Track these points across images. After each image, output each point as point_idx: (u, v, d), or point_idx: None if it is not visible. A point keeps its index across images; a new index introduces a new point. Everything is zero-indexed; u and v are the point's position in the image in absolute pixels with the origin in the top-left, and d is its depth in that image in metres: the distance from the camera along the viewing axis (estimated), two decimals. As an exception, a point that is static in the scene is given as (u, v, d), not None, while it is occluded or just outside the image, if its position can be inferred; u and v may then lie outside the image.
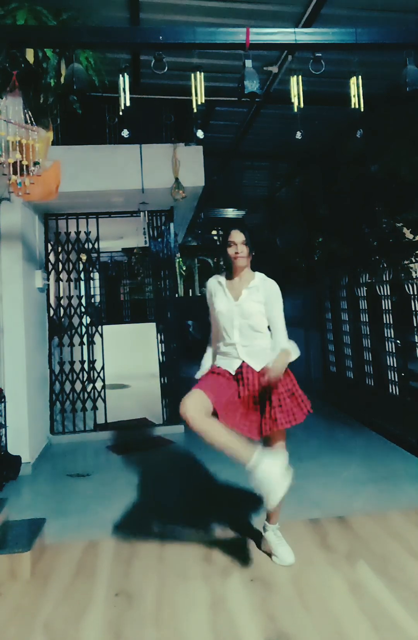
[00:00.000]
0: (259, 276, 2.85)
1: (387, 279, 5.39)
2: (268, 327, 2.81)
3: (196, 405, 2.48)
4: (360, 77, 2.98)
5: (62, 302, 6.06)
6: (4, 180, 3.14)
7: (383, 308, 5.44)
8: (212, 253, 14.84)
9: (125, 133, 4.52)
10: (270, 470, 2.35)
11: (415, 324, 4.84)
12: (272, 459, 2.40)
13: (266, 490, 2.35)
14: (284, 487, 2.36)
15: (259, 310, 2.75)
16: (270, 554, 2.85)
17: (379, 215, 6.95)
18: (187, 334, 11.72)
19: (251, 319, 2.74)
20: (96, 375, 6.04)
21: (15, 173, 2.90)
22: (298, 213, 8.97)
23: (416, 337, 4.84)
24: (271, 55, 4.69)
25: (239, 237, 2.76)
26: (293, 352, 2.72)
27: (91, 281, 6.82)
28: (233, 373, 2.73)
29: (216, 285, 2.88)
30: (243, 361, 2.73)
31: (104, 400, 5.97)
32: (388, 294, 5.39)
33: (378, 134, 6.01)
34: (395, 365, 5.26)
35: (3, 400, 4.47)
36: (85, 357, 6.27)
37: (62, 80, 3.18)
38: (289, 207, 9.56)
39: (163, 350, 6.10)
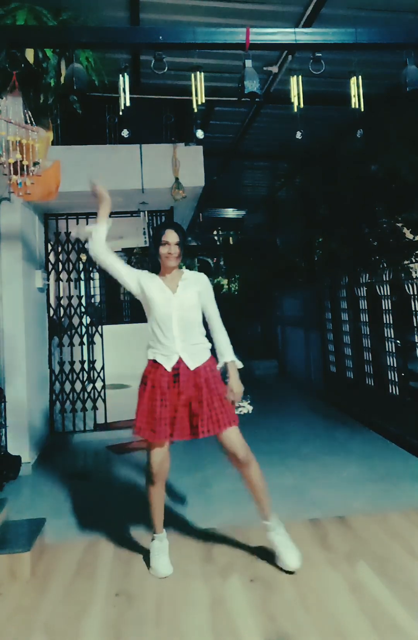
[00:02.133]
0: (188, 271, 2.92)
1: (387, 279, 5.39)
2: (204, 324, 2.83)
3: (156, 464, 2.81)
4: (360, 77, 2.98)
5: (62, 302, 6.06)
6: (4, 180, 3.14)
7: (383, 308, 5.44)
8: (212, 253, 14.85)
9: (125, 133, 4.52)
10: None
11: (415, 324, 4.84)
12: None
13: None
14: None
15: (195, 303, 2.77)
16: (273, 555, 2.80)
17: (379, 215, 6.95)
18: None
19: (190, 312, 2.75)
20: (96, 375, 6.04)
21: (15, 173, 2.90)
22: (298, 213, 8.98)
23: (416, 337, 4.84)
24: (271, 55, 4.69)
25: (173, 237, 2.75)
26: (236, 360, 2.81)
27: (91, 281, 6.81)
28: (170, 370, 2.72)
29: (149, 275, 2.85)
30: (180, 357, 2.72)
31: (104, 400, 5.97)
32: (388, 294, 5.39)
33: (378, 134, 6.01)
34: (395, 365, 5.26)
35: (3, 400, 4.47)
36: (85, 357, 6.27)
37: (62, 80, 3.18)
38: (289, 207, 9.56)
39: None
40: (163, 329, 2.76)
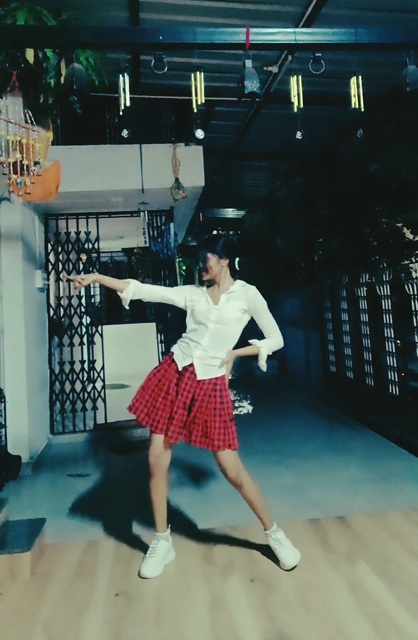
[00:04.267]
0: (239, 283, 2.89)
1: (387, 279, 5.39)
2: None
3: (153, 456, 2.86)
4: (360, 77, 2.98)
5: (62, 302, 6.06)
6: (4, 180, 3.14)
7: (383, 308, 5.44)
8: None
9: (125, 133, 4.52)
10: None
11: (415, 324, 4.84)
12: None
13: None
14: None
15: (237, 316, 2.79)
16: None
17: (379, 215, 6.96)
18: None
19: (226, 326, 2.78)
20: (96, 375, 6.04)
21: (15, 173, 2.90)
22: (298, 213, 8.98)
23: (416, 337, 4.84)
24: (271, 55, 4.69)
25: (201, 255, 2.83)
26: (264, 349, 2.77)
27: (91, 281, 6.81)
28: (181, 369, 2.77)
29: (198, 292, 2.90)
30: (193, 362, 2.75)
31: (104, 400, 5.97)
32: (388, 294, 5.39)
33: (378, 134, 6.01)
34: (395, 365, 5.27)
35: (3, 400, 4.47)
36: (85, 357, 6.27)
37: (62, 80, 3.18)
38: (289, 207, 9.56)
39: (163, 350, 6.11)
40: (196, 332, 2.81)
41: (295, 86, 2.97)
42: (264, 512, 2.81)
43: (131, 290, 2.85)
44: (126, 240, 8.65)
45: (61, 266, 6.07)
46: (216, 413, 2.70)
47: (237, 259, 2.94)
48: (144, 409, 2.80)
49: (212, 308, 2.79)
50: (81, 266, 6.48)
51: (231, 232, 13.31)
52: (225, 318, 2.76)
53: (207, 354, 2.76)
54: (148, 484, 2.87)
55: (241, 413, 6.84)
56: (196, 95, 2.87)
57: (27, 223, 5.13)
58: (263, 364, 2.79)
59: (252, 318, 2.87)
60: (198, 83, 2.87)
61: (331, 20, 4.05)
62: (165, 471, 2.87)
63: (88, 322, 6.28)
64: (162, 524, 2.87)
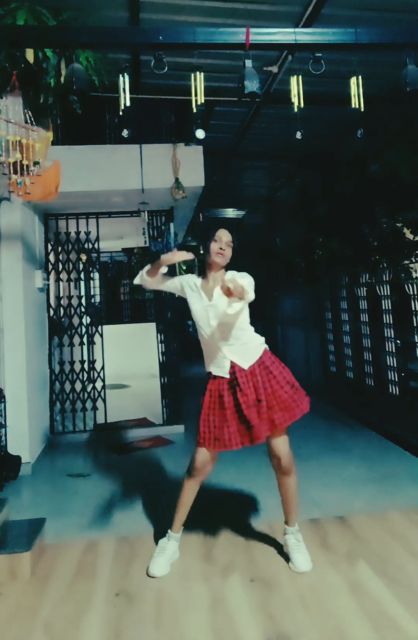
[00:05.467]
0: (230, 272, 2.80)
1: (387, 279, 5.39)
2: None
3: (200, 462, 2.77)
4: (360, 77, 2.98)
5: (62, 302, 6.06)
6: (4, 180, 3.14)
7: (383, 308, 5.44)
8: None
9: (125, 133, 4.52)
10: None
11: (415, 324, 4.84)
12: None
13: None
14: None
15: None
16: (287, 559, 2.81)
17: (379, 215, 6.95)
18: (187, 334, 11.72)
19: (228, 317, 2.67)
20: (96, 375, 6.04)
21: (15, 173, 2.90)
22: (298, 213, 8.97)
23: (416, 337, 4.84)
24: (271, 55, 4.69)
25: (226, 236, 2.73)
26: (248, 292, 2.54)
27: (91, 281, 6.82)
28: (228, 376, 2.70)
29: (192, 284, 2.82)
30: (232, 360, 2.69)
31: (104, 400, 5.97)
32: (388, 294, 5.39)
33: (378, 134, 6.00)
34: (395, 365, 5.27)
35: (3, 400, 4.47)
36: (85, 357, 6.27)
37: (62, 80, 3.18)
38: (289, 207, 9.56)
39: (163, 350, 6.10)
40: (205, 336, 2.75)
41: (295, 86, 2.97)
42: (296, 508, 2.82)
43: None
44: (126, 240, 8.65)
45: (60, 266, 6.07)
46: (278, 385, 2.67)
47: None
48: (211, 436, 2.70)
49: (207, 306, 2.72)
50: (81, 266, 6.48)
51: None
52: (222, 311, 2.66)
53: (234, 345, 2.69)
54: (184, 480, 2.84)
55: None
56: (196, 95, 2.87)
57: (27, 223, 5.13)
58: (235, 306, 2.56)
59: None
60: (198, 83, 2.87)
61: (331, 20, 4.05)
62: (206, 476, 2.84)
63: (88, 322, 6.28)
64: (180, 525, 2.85)
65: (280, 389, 2.68)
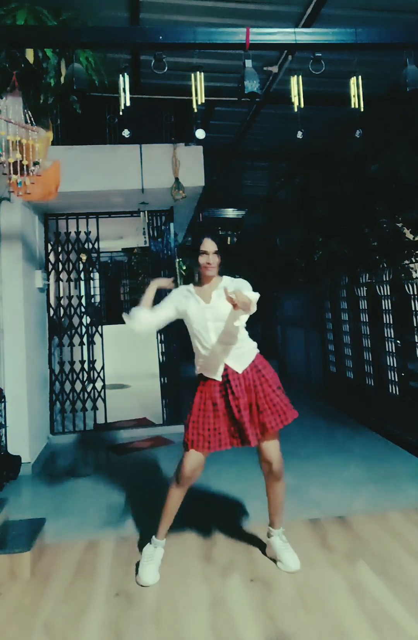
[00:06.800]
0: (226, 278, 2.80)
1: (387, 279, 5.39)
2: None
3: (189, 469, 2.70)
4: (360, 77, 2.98)
5: (62, 302, 6.06)
6: (4, 180, 3.14)
7: (383, 308, 5.44)
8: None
9: (125, 133, 4.52)
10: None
11: (415, 324, 4.84)
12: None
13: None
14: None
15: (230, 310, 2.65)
16: (274, 560, 2.81)
17: (379, 215, 6.95)
18: (187, 334, 11.72)
19: (227, 320, 2.67)
20: (96, 375, 6.04)
21: (15, 173, 2.90)
22: (298, 213, 8.97)
23: (416, 337, 4.84)
24: (271, 55, 4.69)
25: (211, 246, 2.68)
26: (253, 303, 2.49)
27: (91, 281, 6.82)
28: (220, 379, 2.69)
29: (184, 293, 2.79)
30: (226, 364, 2.68)
31: (104, 400, 5.97)
32: (388, 294, 5.39)
33: (378, 134, 6.01)
34: (395, 365, 5.26)
35: (3, 400, 4.47)
36: (85, 357, 6.27)
37: (62, 80, 3.18)
38: (289, 207, 9.55)
39: (163, 350, 6.11)
40: (201, 341, 2.72)
41: (295, 86, 2.97)
42: (282, 511, 2.82)
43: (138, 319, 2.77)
44: (126, 240, 8.66)
45: (60, 266, 6.07)
46: (270, 389, 2.68)
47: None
48: (201, 439, 2.67)
49: (205, 307, 2.70)
50: (81, 266, 6.49)
51: (230, 232, 13.31)
52: (220, 314, 2.64)
53: (229, 350, 2.68)
54: (169, 488, 2.78)
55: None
56: (196, 95, 2.87)
57: (27, 223, 5.13)
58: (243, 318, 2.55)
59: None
60: (198, 83, 2.87)
61: (331, 20, 4.05)
62: (194, 482, 2.79)
63: (88, 322, 6.28)
64: (165, 532, 2.82)
65: (272, 393, 2.68)
